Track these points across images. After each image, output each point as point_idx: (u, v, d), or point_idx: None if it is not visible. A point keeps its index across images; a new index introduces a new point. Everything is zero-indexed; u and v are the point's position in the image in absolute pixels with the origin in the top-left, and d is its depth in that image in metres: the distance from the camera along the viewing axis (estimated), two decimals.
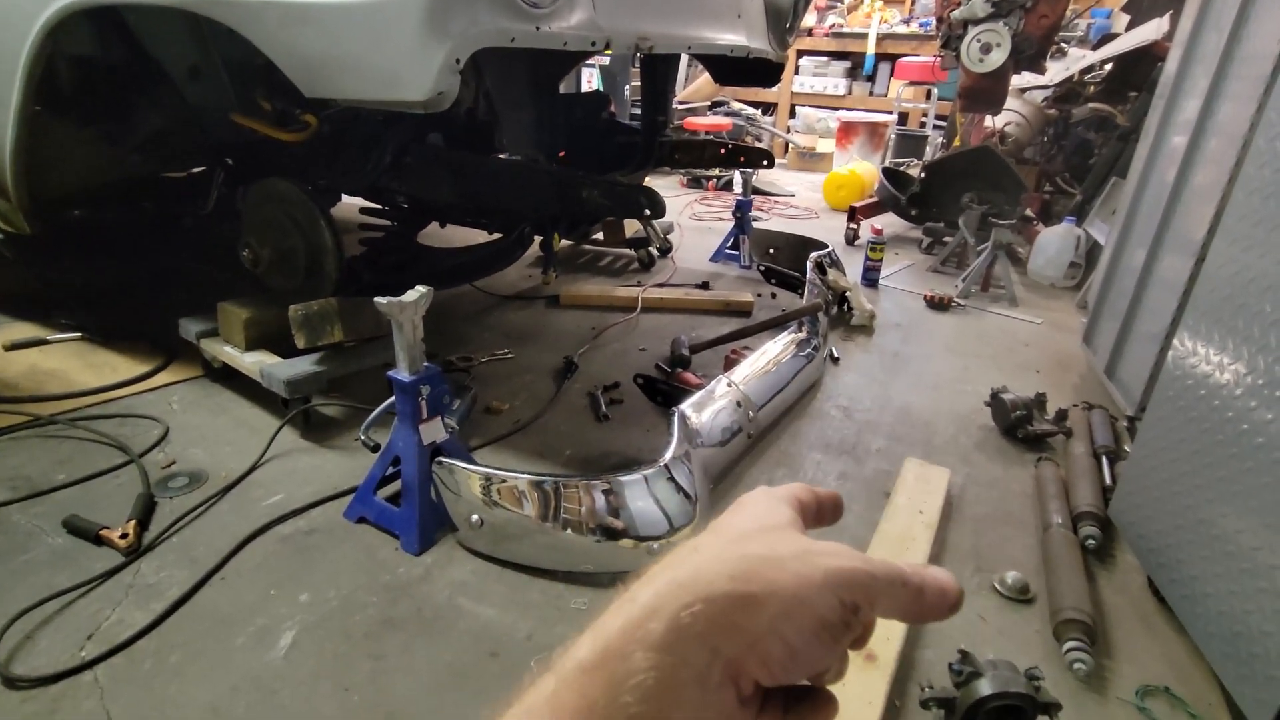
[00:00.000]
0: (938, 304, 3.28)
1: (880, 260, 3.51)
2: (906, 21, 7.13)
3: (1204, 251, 1.87)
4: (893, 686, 1.23)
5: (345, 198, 2.91)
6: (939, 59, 4.92)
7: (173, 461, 1.81)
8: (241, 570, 1.47)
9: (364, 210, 2.49)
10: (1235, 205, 1.40)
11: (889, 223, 4.76)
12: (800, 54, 7.44)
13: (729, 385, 1.96)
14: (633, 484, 1.49)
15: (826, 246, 3.34)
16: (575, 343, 2.66)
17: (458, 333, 2.72)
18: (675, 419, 1.71)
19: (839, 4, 7.71)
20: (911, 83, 6.62)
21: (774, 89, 7.74)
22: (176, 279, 2.79)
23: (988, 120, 4.90)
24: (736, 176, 5.93)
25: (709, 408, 1.85)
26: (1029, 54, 3.90)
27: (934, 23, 5.93)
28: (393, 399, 1.57)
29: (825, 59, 7.44)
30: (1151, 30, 4.32)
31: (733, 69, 2.79)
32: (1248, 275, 1.31)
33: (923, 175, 4.09)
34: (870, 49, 7.05)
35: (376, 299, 1.45)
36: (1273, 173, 1.30)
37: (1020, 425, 2.12)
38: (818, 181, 6.25)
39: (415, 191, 2.16)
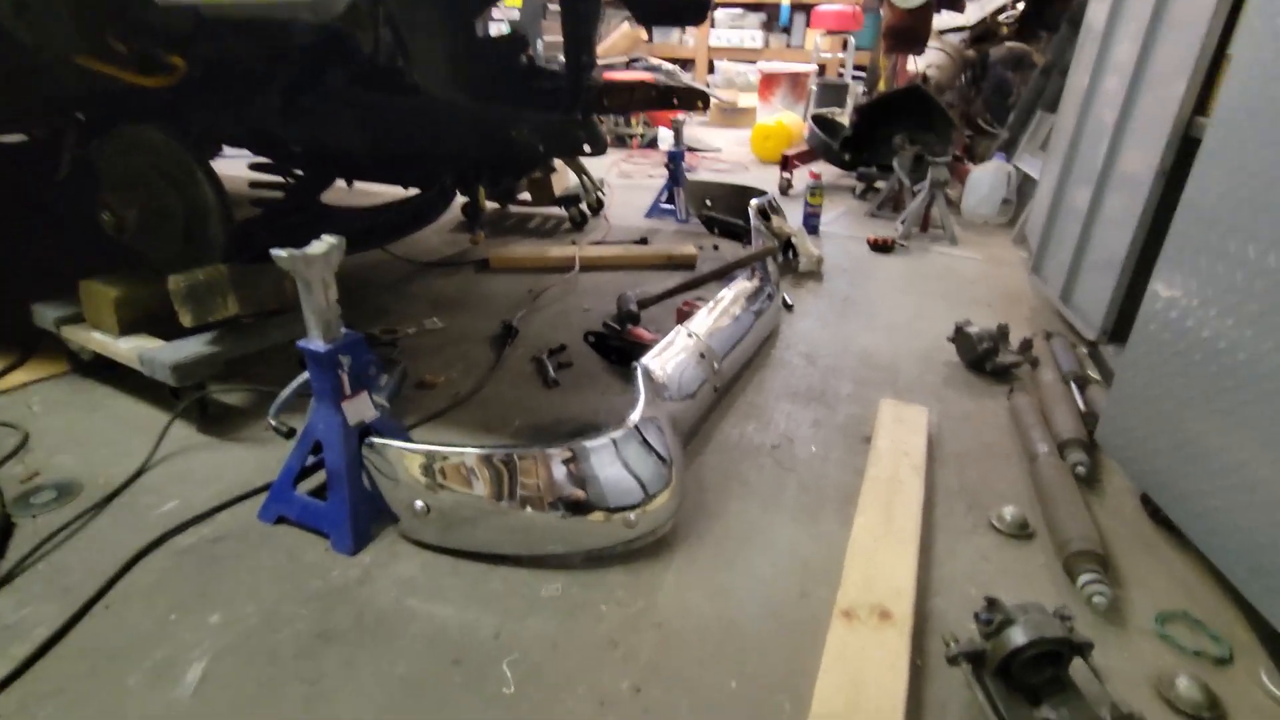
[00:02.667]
0: (881, 247, 3.22)
1: (820, 206, 3.41)
2: None
3: (1159, 188, 1.84)
4: (912, 645, 1.10)
5: (232, 164, 2.55)
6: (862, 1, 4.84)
7: (35, 473, 1.49)
8: (132, 595, 1.20)
9: (253, 166, 2.15)
10: (1218, 125, 1.31)
11: (821, 171, 4.69)
12: (715, 6, 7.25)
13: (689, 336, 1.79)
14: (599, 450, 1.31)
15: (766, 193, 3.21)
16: (512, 307, 2.42)
17: (378, 304, 2.43)
18: (639, 374, 1.52)
19: None
20: (828, 32, 6.55)
21: (690, 44, 7.55)
22: (25, 259, 2.36)
23: (910, 64, 4.88)
24: (661, 132, 5.75)
25: (672, 361, 1.67)
26: None
27: None
28: (306, 375, 1.32)
29: (740, 11, 7.28)
30: None
31: (657, 5, 2.57)
32: (1237, 196, 1.23)
33: (855, 118, 4.01)
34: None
35: (275, 252, 1.19)
36: (1261, 84, 1.22)
37: (987, 357, 2.05)
38: (742, 136, 6.13)
39: (315, 138, 1.86)
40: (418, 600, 1.20)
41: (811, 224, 3.44)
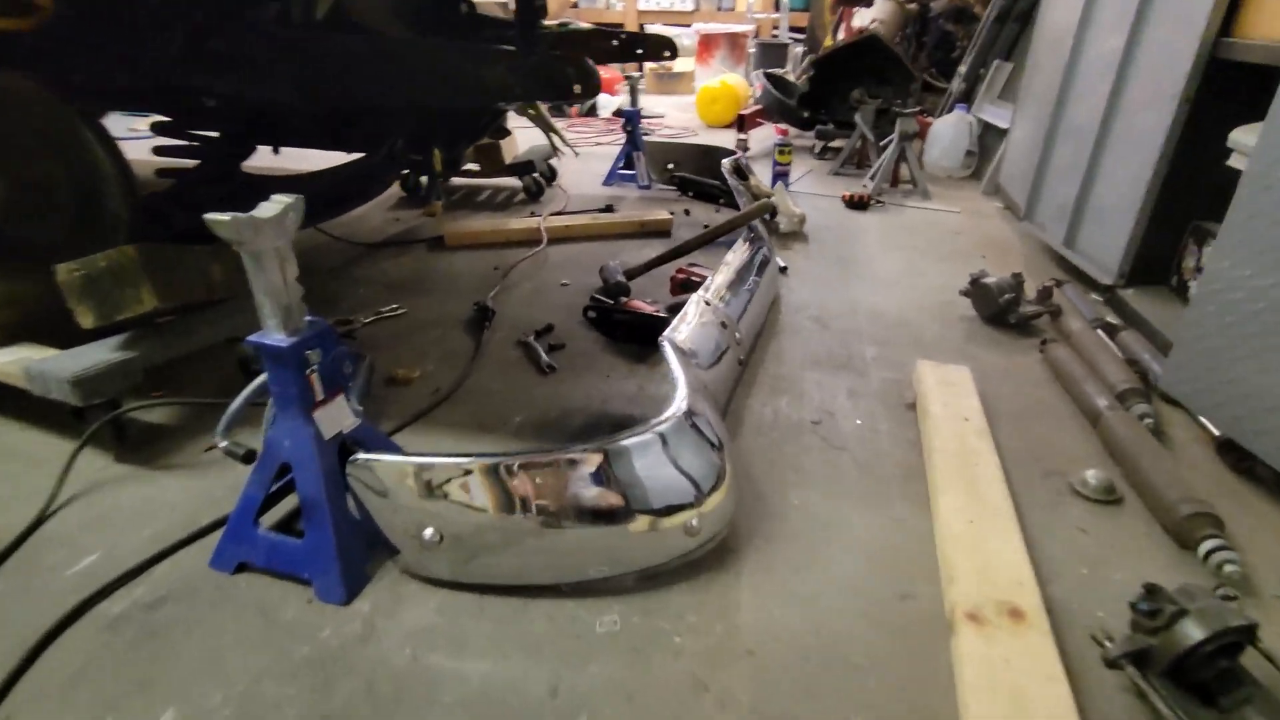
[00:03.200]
0: (857, 204, 3.07)
1: (789, 164, 3.22)
2: None
3: (1183, 115, 1.74)
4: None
5: (132, 146, 2.11)
6: None
7: None
8: (45, 692, 0.89)
9: (156, 128, 1.74)
10: None
11: (771, 133, 4.52)
12: None
13: (706, 304, 1.56)
14: (646, 447, 1.07)
15: (735, 152, 3.00)
16: (480, 286, 2.13)
17: (321, 292, 2.09)
18: (669, 351, 1.29)
19: None
20: None
21: (619, 8, 7.23)
22: None
23: (855, 21, 4.75)
24: (602, 99, 5.44)
25: (697, 334, 1.44)
26: None
27: None
28: (261, 379, 1.02)
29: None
30: None
31: None
32: None
33: (811, 73, 3.84)
34: None
35: (212, 217, 0.89)
36: None
37: (1009, 309, 1.91)
38: (682, 102, 5.91)
39: (234, 91, 1.51)
40: (443, 657, 0.94)
41: (782, 183, 3.25)
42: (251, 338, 0.97)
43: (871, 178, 3.31)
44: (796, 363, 1.74)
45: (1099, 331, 1.81)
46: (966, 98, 3.76)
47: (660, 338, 1.33)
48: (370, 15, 1.56)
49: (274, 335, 0.97)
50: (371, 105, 1.66)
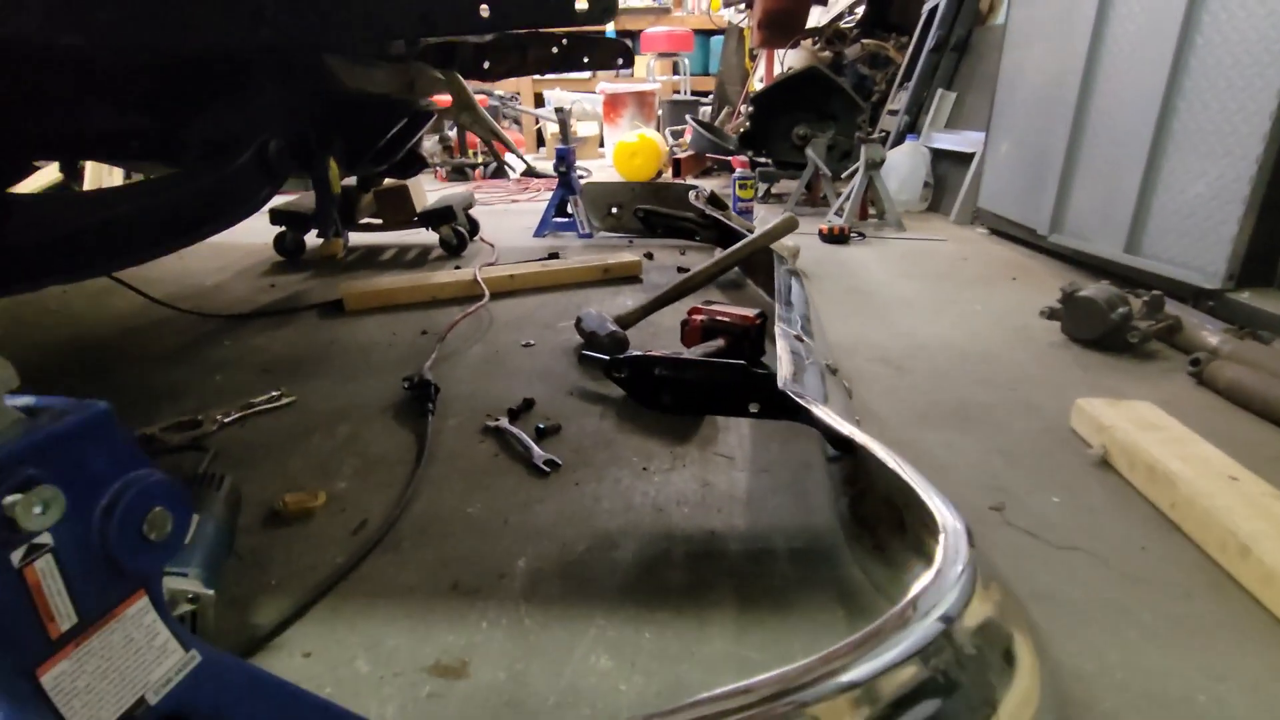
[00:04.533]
0: (836, 238, 2.67)
1: (752, 199, 2.80)
2: None
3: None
4: None
5: None
6: None
7: None
8: None
9: None
10: None
11: (714, 178, 4.19)
12: None
13: (800, 340, 1.00)
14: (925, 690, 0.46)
15: (695, 186, 2.55)
16: (406, 359, 1.47)
17: (149, 383, 1.35)
18: (824, 417, 0.70)
19: None
20: (660, 54, 6.27)
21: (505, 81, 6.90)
22: None
23: (775, 68, 4.59)
24: (509, 159, 4.96)
25: (811, 388, 0.86)
26: None
27: None
28: None
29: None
30: None
31: None
32: None
33: (751, 109, 3.52)
34: (609, 26, 6.55)
35: None
36: None
37: (1125, 327, 1.49)
38: (593, 165, 5.54)
39: None
40: None
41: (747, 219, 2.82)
42: None
43: (838, 212, 2.95)
44: (898, 420, 1.20)
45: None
46: (912, 129, 3.56)
47: (796, 394, 0.74)
48: None
49: None
50: (232, 53, 1.01)
